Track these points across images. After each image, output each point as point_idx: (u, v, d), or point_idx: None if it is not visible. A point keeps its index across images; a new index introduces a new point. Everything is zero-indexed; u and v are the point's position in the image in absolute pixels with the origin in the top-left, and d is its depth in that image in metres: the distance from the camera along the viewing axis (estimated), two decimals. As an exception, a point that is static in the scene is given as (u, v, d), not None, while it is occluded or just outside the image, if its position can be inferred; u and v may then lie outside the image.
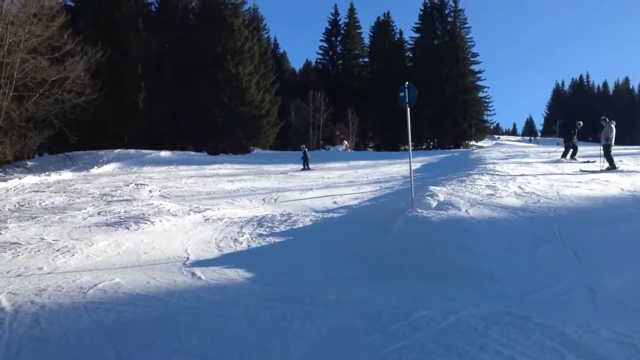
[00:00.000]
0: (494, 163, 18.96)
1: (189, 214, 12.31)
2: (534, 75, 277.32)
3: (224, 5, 48.36)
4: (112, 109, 37.91)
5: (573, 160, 19.31)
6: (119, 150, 34.01)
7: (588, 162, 18.17)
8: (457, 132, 66.96)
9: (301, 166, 28.46)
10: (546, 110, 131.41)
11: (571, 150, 20.10)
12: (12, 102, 24.47)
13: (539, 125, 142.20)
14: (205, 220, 11.72)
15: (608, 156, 15.81)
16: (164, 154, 35.09)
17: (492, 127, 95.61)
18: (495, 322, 4.41)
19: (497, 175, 14.46)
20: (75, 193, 16.76)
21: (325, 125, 61.03)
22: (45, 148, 31.64)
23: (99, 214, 12.60)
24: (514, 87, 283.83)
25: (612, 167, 15.35)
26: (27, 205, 14.18)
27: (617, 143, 18.08)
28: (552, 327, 4.22)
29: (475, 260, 6.48)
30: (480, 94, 72.48)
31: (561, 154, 20.88)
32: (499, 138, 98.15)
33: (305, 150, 29.18)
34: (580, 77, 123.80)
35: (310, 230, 10.40)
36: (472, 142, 68.56)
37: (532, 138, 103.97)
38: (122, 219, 11.66)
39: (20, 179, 20.68)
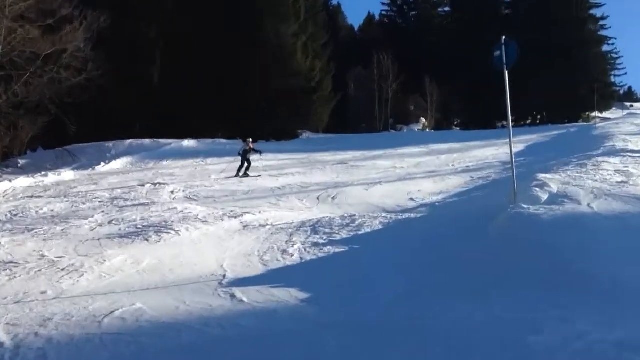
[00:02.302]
0: (625, 140, 18.47)
1: (222, 220, 12.57)
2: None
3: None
4: (121, 88, 38.05)
5: None
6: (130, 140, 34.16)
7: None
8: (574, 100, 65.14)
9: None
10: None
11: None
12: (-4, 84, 24.89)
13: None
14: (244, 227, 11.94)
15: None
16: (187, 143, 35.37)
17: (622, 92, 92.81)
18: (634, 349, 4.38)
19: (631, 156, 14.11)
20: (80, 197, 17.25)
21: (396, 99, 60.45)
22: (39, 142, 31.87)
23: (110, 222, 12.97)
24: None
25: None
26: (22, 215, 14.66)
27: None
28: None
29: (602, 266, 6.37)
30: (605, 48, 70.42)
31: None
32: (631, 106, 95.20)
33: (249, 145, 22.46)
34: None
35: (381, 236, 10.47)
36: (595, 114, 66.78)
37: None
38: (139, 228, 11.99)
39: (10, 181, 21.09)
